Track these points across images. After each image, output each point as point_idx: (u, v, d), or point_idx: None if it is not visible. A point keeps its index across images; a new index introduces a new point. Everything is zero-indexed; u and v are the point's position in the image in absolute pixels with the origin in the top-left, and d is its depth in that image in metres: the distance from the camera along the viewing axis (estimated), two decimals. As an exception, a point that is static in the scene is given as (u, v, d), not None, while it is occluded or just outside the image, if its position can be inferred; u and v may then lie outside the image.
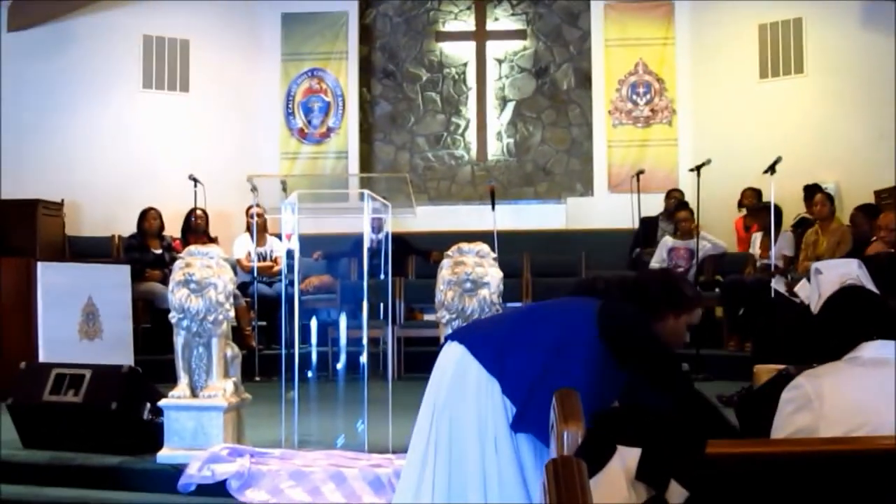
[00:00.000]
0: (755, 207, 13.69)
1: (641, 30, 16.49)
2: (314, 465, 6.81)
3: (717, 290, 12.85)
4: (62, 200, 14.85)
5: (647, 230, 14.44)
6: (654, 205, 14.91)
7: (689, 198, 13.51)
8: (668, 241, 13.29)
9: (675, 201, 14.18)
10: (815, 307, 9.08)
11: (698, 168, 11.98)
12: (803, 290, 10.44)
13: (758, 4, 15.58)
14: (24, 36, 15.26)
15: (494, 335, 4.65)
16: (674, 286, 4.74)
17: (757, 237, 13.32)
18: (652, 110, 16.40)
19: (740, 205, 14.66)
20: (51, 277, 10.53)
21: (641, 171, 15.04)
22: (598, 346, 4.44)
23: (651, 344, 4.52)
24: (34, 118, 15.14)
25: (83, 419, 7.54)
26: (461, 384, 4.48)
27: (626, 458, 3.47)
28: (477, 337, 4.65)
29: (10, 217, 13.94)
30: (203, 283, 7.18)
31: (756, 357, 9.87)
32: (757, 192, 14.28)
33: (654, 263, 13.15)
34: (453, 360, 4.56)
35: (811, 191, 13.24)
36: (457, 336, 4.70)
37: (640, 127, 16.42)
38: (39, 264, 10.60)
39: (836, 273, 9.45)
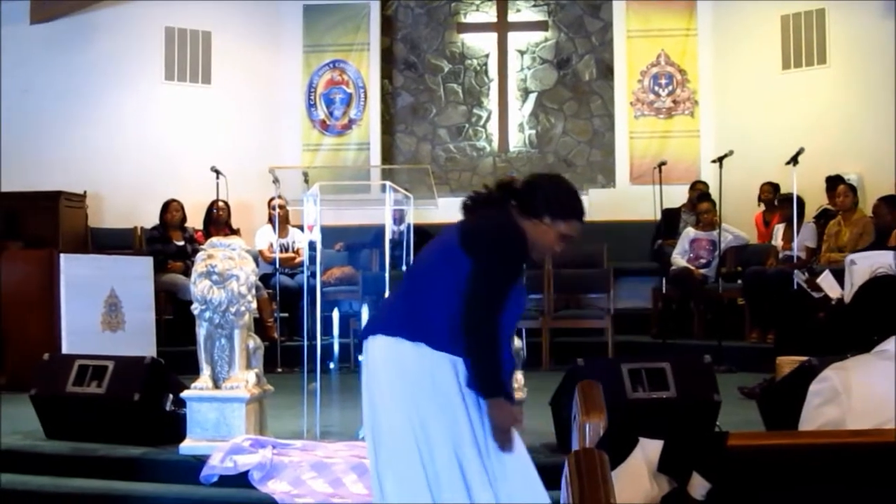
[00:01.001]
0: (778, 199, 13.66)
1: (663, 20, 16.42)
2: (336, 457, 6.82)
3: (739, 281, 12.83)
4: (85, 192, 14.89)
5: (670, 221, 14.40)
6: (676, 196, 14.87)
7: (712, 189, 13.47)
8: (690, 232, 13.26)
9: (698, 193, 14.15)
10: (848, 298, 9.09)
11: (720, 159, 11.96)
12: (826, 281, 10.44)
13: (780, -5, 15.55)
14: (47, 28, 15.30)
15: (400, 307, 4.66)
16: (560, 193, 4.69)
17: (779, 228, 13.29)
18: (674, 101, 16.34)
19: (759, 200, 14.60)
20: (73, 269, 10.58)
21: (663, 163, 14.99)
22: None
23: (500, 251, 4.49)
24: (56, 110, 15.18)
25: (106, 410, 7.56)
26: (416, 376, 4.45)
27: (648, 449, 3.47)
28: (390, 319, 4.63)
29: (34, 209, 14.00)
30: (225, 274, 7.19)
31: (778, 349, 9.87)
32: (775, 187, 14.24)
33: (677, 255, 13.15)
34: (383, 354, 4.55)
35: (834, 182, 13.21)
36: (370, 329, 4.67)
37: (662, 118, 16.37)
38: (62, 256, 10.64)
39: (868, 263, 9.46)
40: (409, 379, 4.44)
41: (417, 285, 4.64)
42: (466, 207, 4.73)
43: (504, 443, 4.39)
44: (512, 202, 4.61)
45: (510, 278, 4.47)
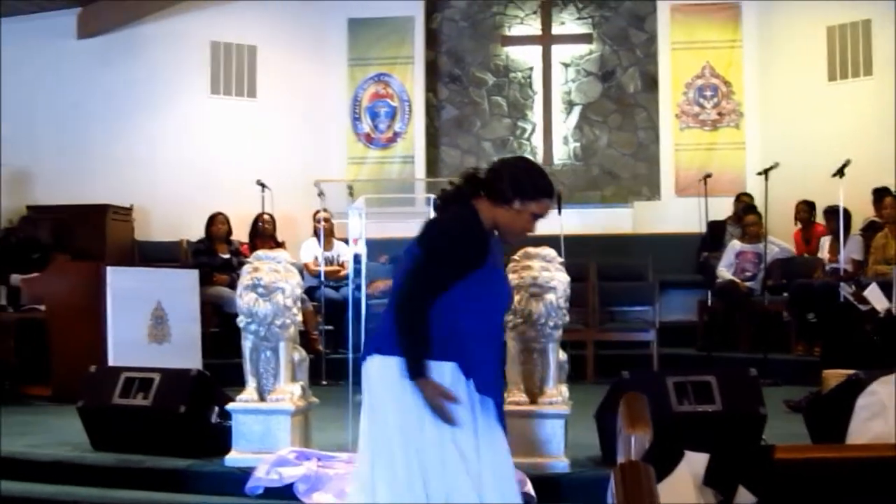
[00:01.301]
0: (824, 210, 13.57)
1: (708, 32, 16.36)
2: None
3: (784, 294, 12.77)
4: (131, 205, 15.00)
5: (715, 234, 14.36)
6: (722, 208, 14.81)
7: (757, 201, 13.42)
8: (735, 244, 13.21)
9: (744, 205, 14.10)
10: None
11: (766, 171, 11.91)
12: (873, 294, 10.38)
13: (826, 6, 15.44)
14: (94, 43, 15.42)
15: (382, 324, 4.70)
16: (526, 174, 4.67)
17: (826, 241, 13.24)
18: (719, 113, 16.28)
19: (795, 219, 14.52)
20: (120, 282, 10.62)
21: (709, 175, 14.94)
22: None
23: (437, 250, 4.53)
24: (104, 124, 15.28)
25: (152, 422, 7.60)
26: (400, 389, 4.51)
27: (694, 463, 3.46)
28: (377, 338, 4.69)
29: (81, 222, 14.09)
30: (270, 287, 7.21)
31: (825, 362, 9.81)
32: (810, 205, 14.19)
33: (722, 267, 13.10)
34: (378, 374, 4.61)
35: (880, 194, 13.11)
36: (365, 352, 4.74)
37: (707, 130, 16.30)
38: (109, 269, 10.70)
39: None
40: (397, 394, 4.51)
41: (391, 299, 4.68)
42: (437, 207, 4.79)
43: (442, 418, 4.44)
44: (481, 193, 4.63)
45: (445, 265, 4.49)
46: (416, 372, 4.41)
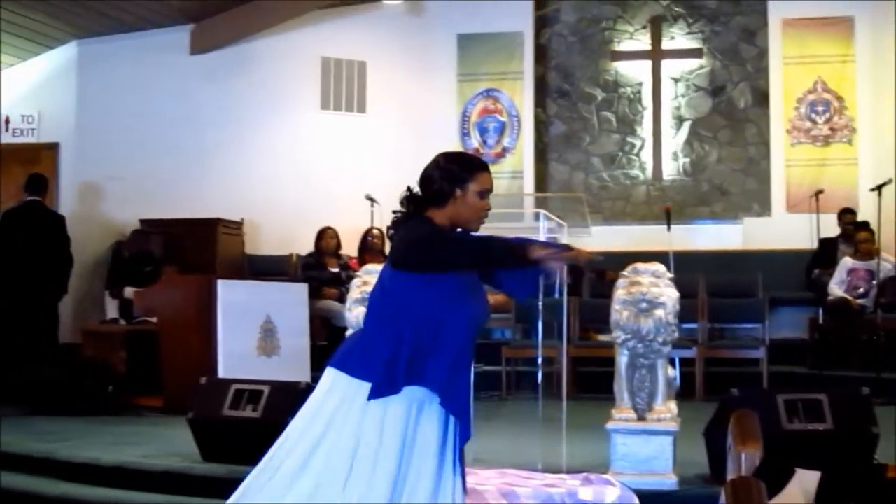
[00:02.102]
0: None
1: (820, 47, 16.15)
2: (487, 483, 6.81)
3: (899, 312, 12.60)
4: (242, 220, 15.16)
5: (826, 250, 14.19)
6: (834, 225, 14.62)
7: (871, 217, 13.22)
8: (847, 261, 13.06)
9: (850, 222, 13.94)
10: None
11: (879, 188, 11.77)
12: None
13: (940, 20, 15.22)
14: (207, 58, 15.62)
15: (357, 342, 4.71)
16: (448, 161, 4.67)
17: (942, 258, 13.06)
18: (831, 129, 16.07)
19: None
20: (230, 295, 10.74)
21: (820, 191, 14.78)
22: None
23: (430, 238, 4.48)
24: (215, 139, 15.48)
25: (261, 434, 7.61)
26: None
27: (805, 481, 3.42)
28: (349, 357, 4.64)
29: (192, 236, 14.30)
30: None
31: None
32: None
33: (834, 285, 12.95)
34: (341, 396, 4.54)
35: None
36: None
37: (819, 146, 16.09)
38: (219, 282, 10.82)
39: None
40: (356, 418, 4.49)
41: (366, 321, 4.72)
42: (390, 236, 4.75)
43: (578, 257, 4.49)
44: (425, 206, 4.63)
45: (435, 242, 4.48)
46: (527, 246, 4.38)
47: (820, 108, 16.11)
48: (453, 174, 4.59)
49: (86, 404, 10.90)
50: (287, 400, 7.71)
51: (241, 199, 15.21)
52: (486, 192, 4.66)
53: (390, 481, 4.35)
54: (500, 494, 6.66)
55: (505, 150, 16.89)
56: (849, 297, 12.73)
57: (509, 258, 4.41)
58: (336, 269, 13.42)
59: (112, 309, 13.17)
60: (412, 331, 4.40)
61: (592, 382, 11.62)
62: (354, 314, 7.31)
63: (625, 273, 7.06)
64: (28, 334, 12.13)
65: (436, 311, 4.42)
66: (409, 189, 4.70)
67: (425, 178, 4.65)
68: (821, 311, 13.20)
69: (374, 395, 4.38)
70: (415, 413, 4.43)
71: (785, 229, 15.64)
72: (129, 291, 12.77)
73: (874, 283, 12.65)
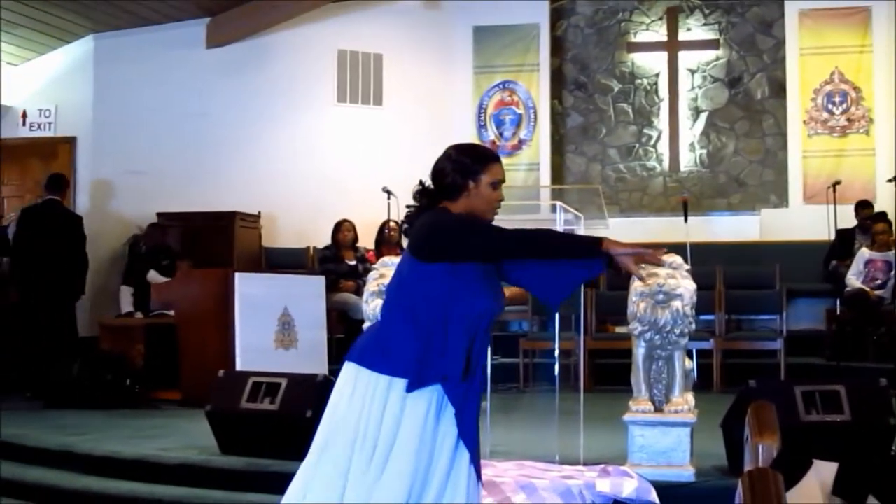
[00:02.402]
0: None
1: (837, 37, 16.11)
2: (505, 476, 6.82)
3: (917, 304, 12.58)
4: (259, 213, 15.17)
5: (844, 242, 14.15)
6: (851, 216, 14.57)
7: (889, 208, 13.19)
8: (864, 253, 13.03)
9: (867, 213, 13.90)
10: None
11: (896, 179, 11.74)
12: None
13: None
14: (223, 52, 15.61)
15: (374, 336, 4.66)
16: (460, 153, 4.65)
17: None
18: (848, 119, 16.02)
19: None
20: (248, 288, 10.75)
21: (838, 182, 14.75)
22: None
23: (458, 225, 4.49)
24: (232, 132, 15.47)
25: (279, 426, 7.67)
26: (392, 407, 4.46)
27: (823, 472, 3.42)
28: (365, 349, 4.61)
29: (210, 229, 14.31)
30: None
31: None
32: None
33: (851, 276, 12.92)
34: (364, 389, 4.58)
35: None
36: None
37: (837, 136, 16.05)
38: (237, 275, 10.83)
39: None
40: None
41: (383, 313, 4.70)
42: (405, 231, 4.73)
43: (650, 258, 4.60)
44: (438, 199, 4.61)
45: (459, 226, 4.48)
46: (594, 241, 4.43)
47: (837, 99, 16.07)
48: (465, 166, 4.58)
49: (104, 398, 10.93)
50: (304, 393, 7.73)
51: (258, 192, 15.23)
52: (498, 183, 4.67)
53: (410, 474, 4.38)
54: (517, 486, 6.67)
55: (521, 143, 16.89)
56: (866, 289, 12.71)
57: (566, 249, 4.47)
58: (353, 262, 13.44)
59: (126, 303, 13.19)
60: (429, 323, 4.39)
61: (610, 374, 11.63)
62: (372, 307, 7.31)
63: (642, 265, 7.05)
64: (47, 330, 12.16)
65: (453, 302, 4.41)
66: (421, 183, 4.68)
67: (437, 172, 4.63)
68: (838, 303, 13.17)
69: (409, 388, 4.38)
70: (434, 407, 4.44)
71: (802, 221, 15.60)
72: (152, 274, 12.81)
73: (892, 274, 12.62)
